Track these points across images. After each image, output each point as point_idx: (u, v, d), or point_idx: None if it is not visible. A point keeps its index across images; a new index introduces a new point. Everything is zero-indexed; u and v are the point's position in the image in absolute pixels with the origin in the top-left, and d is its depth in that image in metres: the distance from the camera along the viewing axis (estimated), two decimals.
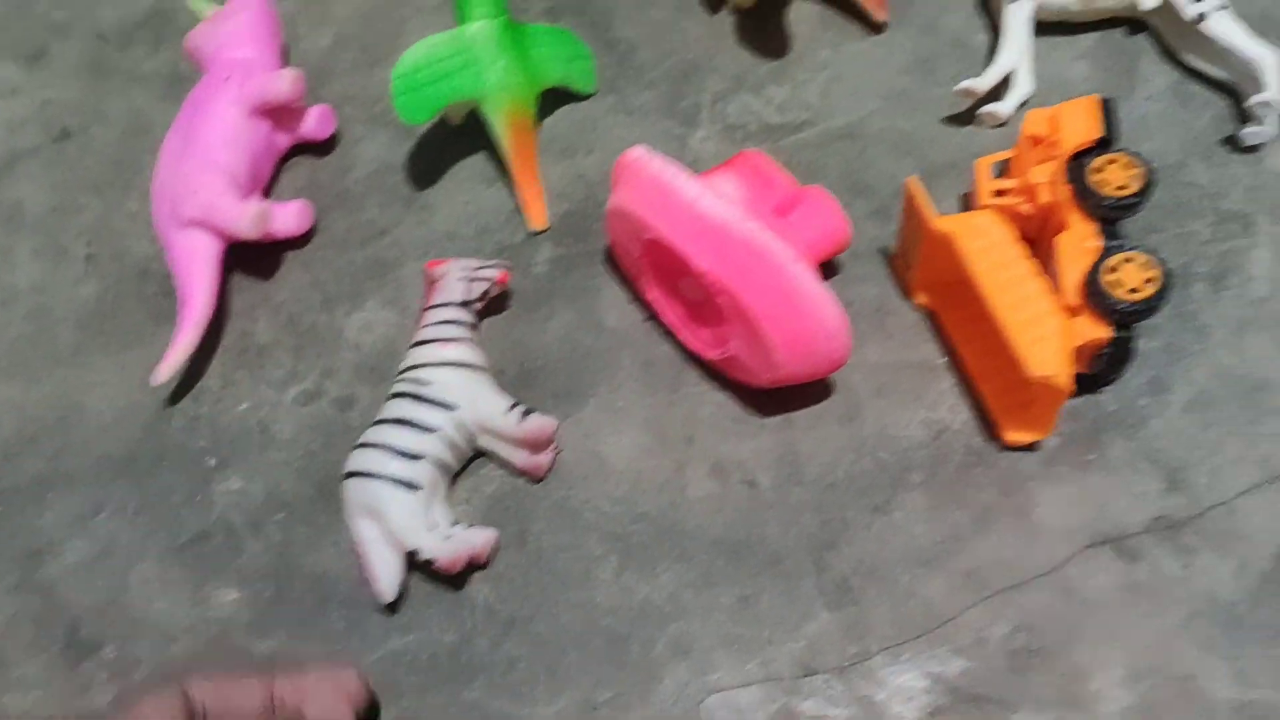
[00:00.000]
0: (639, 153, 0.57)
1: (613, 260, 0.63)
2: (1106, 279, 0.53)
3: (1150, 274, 0.52)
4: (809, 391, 0.59)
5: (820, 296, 0.52)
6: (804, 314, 0.52)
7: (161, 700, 0.45)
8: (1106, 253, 0.53)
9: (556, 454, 0.59)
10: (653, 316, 0.61)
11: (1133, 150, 0.54)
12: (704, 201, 0.54)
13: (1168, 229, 0.60)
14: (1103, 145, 0.55)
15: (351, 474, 0.56)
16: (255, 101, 0.63)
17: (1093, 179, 0.54)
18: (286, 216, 0.64)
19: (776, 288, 0.52)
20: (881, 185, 0.63)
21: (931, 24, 0.67)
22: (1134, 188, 0.54)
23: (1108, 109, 0.55)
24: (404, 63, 0.60)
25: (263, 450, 0.62)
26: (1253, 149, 0.61)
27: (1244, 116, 0.61)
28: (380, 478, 0.55)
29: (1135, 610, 0.53)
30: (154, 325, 0.65)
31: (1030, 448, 0.56)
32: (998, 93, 0.64)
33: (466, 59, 0.61)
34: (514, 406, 0.57)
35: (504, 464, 0.59)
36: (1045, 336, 0.52)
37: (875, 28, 0.67)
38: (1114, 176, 0.54)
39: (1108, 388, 0.57)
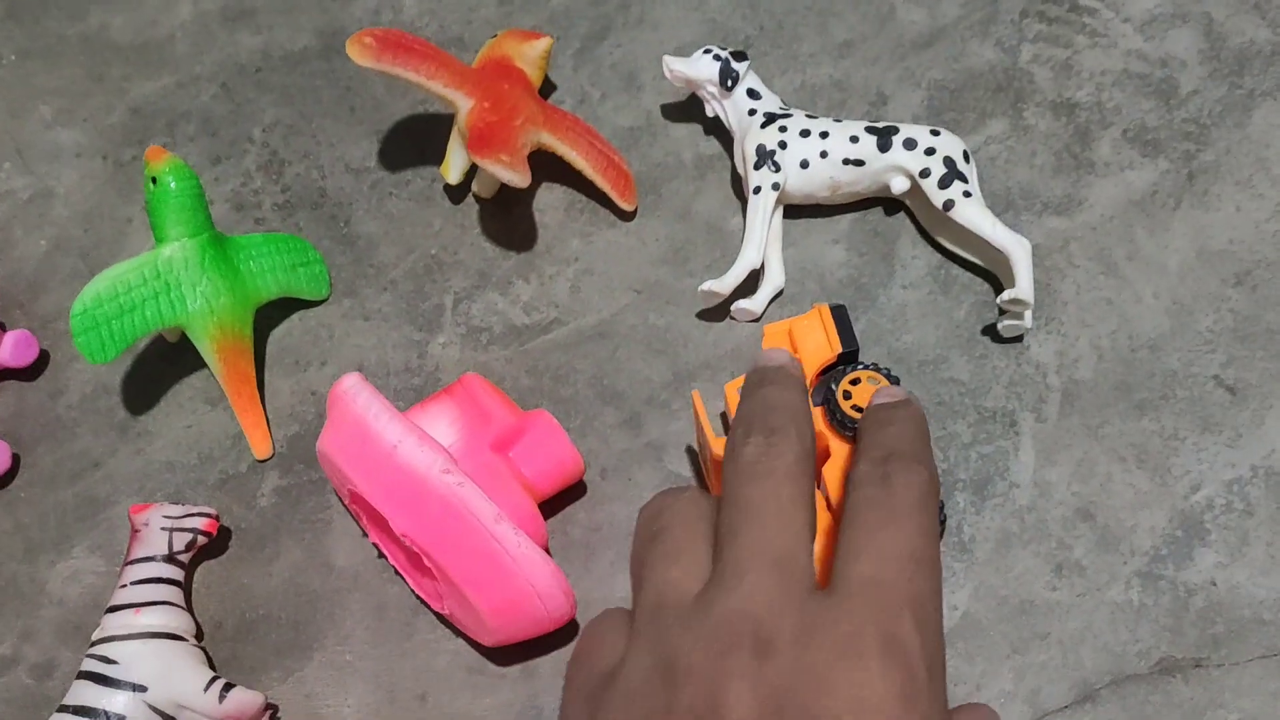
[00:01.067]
0: (350, 383, 0.52)
1: (339, 496, 0.58)
2: None
3: None
4: (552, 637, 0.53)
5: (527, 559, 0.47)
6: (510, 576, 0.47)
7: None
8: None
9: None
10: (384, 554, 0.56)
11: (875, 365, 0.50)
12: (403, 449, 0.49)
13: (931, 431, 0.56)
14: (846, 359, 0.51)
15: None
16: None
17: (844, 404, 0.49)
18: None
19: (478, 550, 0.47)
20: (633, 390, 0.59)
21: (685, 210, 0.63)
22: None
23: (838, 318, 0.51)
24: (83, 298, 0.54)
25: None
26: (1015, 339, 0.58)
27: (1001, 309, 0.58)
28: None
29: None
30: None
31: None
32: (751, 286, 0.60)
33: (161, 285, 0.56)
34: (213, 681, 0.51)
35: None
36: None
37: (624, 216, 0.63)
38: (864, 396, 0.49)
39: None
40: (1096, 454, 0.55)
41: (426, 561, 0.49)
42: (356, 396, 0.51)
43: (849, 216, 0.62)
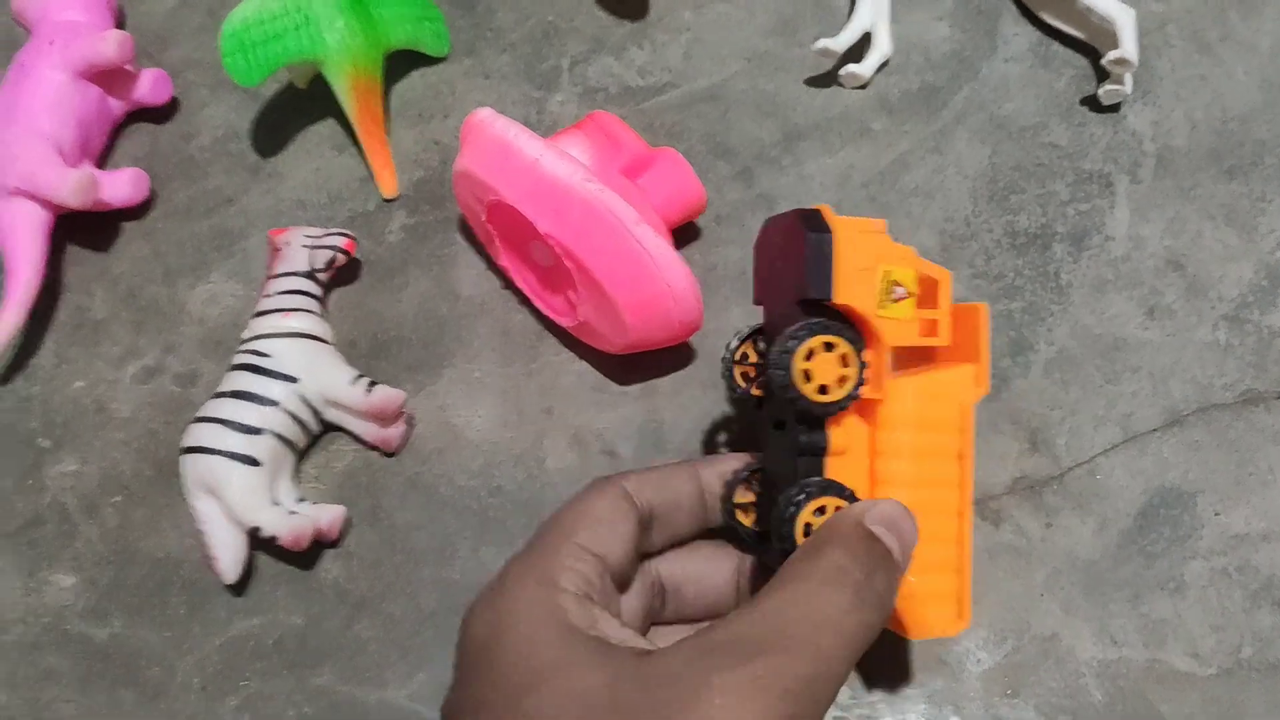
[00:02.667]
0: (484, 114, 0.55)
1: (468, 228, 0.61)
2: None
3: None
4: (671, 358, 0.57)
5: (666, 259, 0.51)
6: (649, 277, 0.51)
7: (606, 489, 0.43)
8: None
9: (410, 428, 0.57)
10: (509, 284, 0.59)
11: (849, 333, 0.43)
12: (545, 162, 0.52)
13: (1028, 189, 0.59)
14: (812, 308, 0.43)
15: (188, 449, 0.53)
16: (80, 65, 0.60)
17: (801, 381, 0.42)
18: (118, 185, 0.61)
19: (620, 250, 0.50)
20: (745, 148, 0.62)
21: None
22: (839, 395, 0.42)
23: (811, 251, 0.42)
24: (233, 20, 0.57)
25: (99, 430, 0.58)
26: (1112, 108, 0.61)
27: (1102, 75, 0.61)
28: (218, 453, 0.52)
29: (998, 572, 0.53)
30: None
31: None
32: (859, 53, 0.62)
33: (301, 18, 0.58)
34: (359, 378, 0.55)
35: (355, 439, 0.57)
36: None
37: None
38: (828, 373, 0.42)
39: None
40: (1188, 213, 0.59)
41: (568, 263, 0.52)
42: (495, 121, 0.54)
43: None
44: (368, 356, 0.59)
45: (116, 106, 0.63)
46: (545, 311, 0.57)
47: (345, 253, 0.58)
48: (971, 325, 0.45)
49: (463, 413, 0.57)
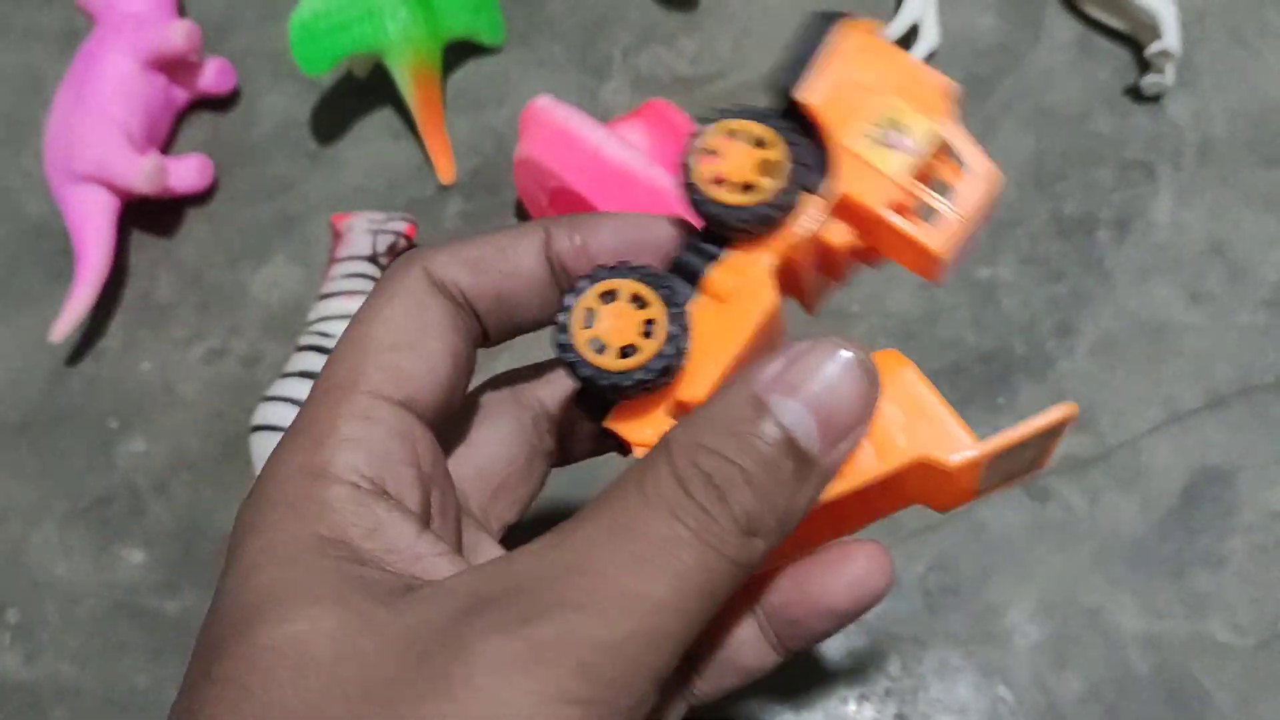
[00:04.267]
0: (544, 102, 0.56)
1: (524, 214, 0.62)
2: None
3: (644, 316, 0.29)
4: None
5: None
6: None
7: (402, 280, 0.30)
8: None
9: None
10: None
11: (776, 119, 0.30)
12: (608, 148, 0.53)
13: (1073, 177, 0.61)
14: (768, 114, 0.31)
15: (257, 428, 0.55)
16: (148, 54, 0.61)
17: (706, 186, 0.30)
18: (184, 171, 0.62)
19: None
20: None
21: None
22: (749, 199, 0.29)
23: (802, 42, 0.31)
24: (300, 11, 0.59)
25: (167, 410, 0.60)
26: (1154, 98, 0.62)
27: (1144, 66, 0.62)
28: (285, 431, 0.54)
29: (1045, 547, 0.54)
30: (51, 285, 0.63)
31: None
32: (905, 44, 0.64)
33: (366, 9, 0.60)
34: None
35: None
36: None
37: None
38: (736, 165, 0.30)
39: None
40: (1229, 199, 0.60)
41: None
42: (555, 109, 0.56)
43: None
44: None
45: (181, 95, 0.64)
46: None
47: (407, 238, 0.60)
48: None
49: None
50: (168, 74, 0.63)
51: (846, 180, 0.30)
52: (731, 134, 0.30)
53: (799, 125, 0.30)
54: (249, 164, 0.65)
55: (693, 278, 0.30)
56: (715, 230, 0.30)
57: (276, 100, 0.67)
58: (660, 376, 0.28)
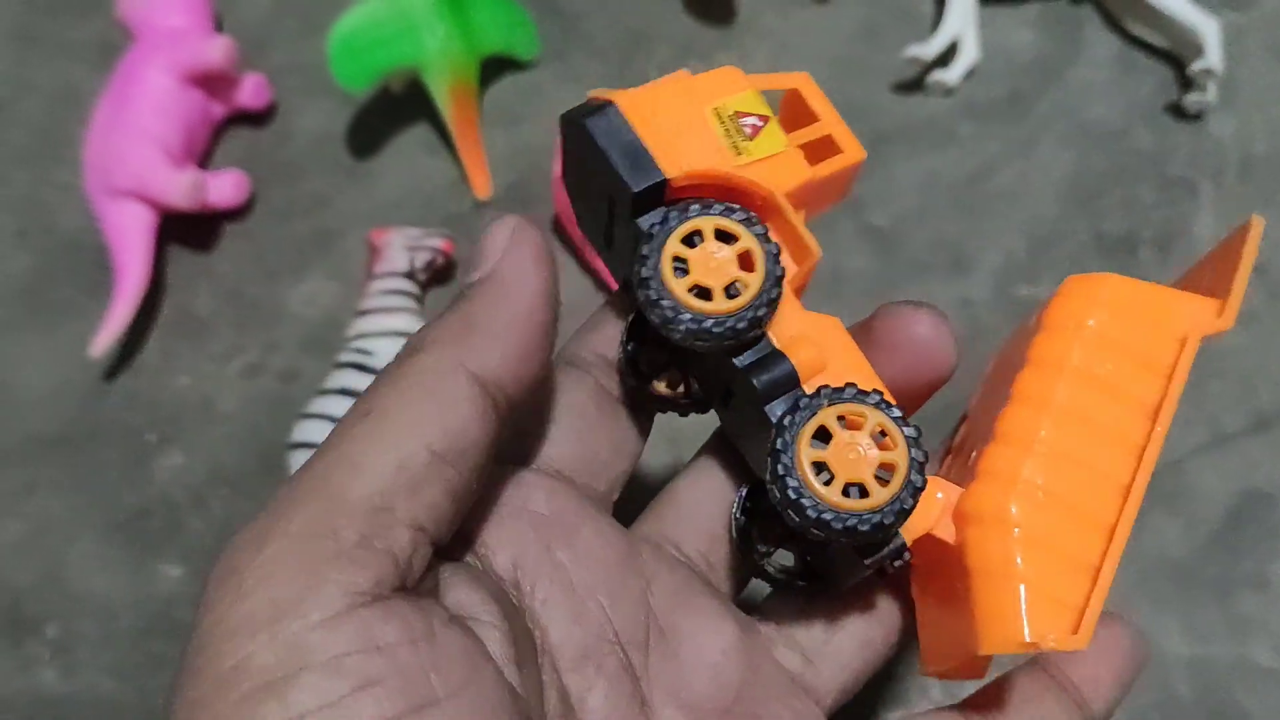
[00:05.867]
0: None
1: (559, 230, 0.62)
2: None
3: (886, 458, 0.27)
4: None
5: None
6: None
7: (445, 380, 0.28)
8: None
9: None
10: (603, 287, 0.60)
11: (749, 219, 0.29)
12: None
13: (1114, 194, 0.61)
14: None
15: (296, 445, 0.55)
16: (186, 69, 0.61)
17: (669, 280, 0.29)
18: (222, 187, 0.62)
19: None
20: None
21: None
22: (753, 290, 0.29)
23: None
24: (340, 28, 0.59)
25: (204, 425, 0.60)
26: (1195, 116, 0.62)
27: (1186, 84, 0.62)
28: None
29: None
30: (88, 299, 0.63)
31: None
32: (945, 61, 0.64)
33: (404, 25, 0.60)
34: None
35: None
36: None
37: None
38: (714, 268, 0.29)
39: None
40: (1272, 217, 0.59)
41: None
42: None
43: (1036, 5, 0.66)
44: None
45: (217, 111, 0.65)
46: None
47: (444, 254, 0.60)
48: (1232, 250, 0.32)
49: None
50: (205, 89, 0.63)
51: (772, 181, 0.30)
52: (689, 240, 0.29)
53: (671, 199, 0.29)
54: (285, 179, 0.65)
55: (790, 382, 0.29)
56: (747, 336, 0.29)
57: (313, 116, 0.67)
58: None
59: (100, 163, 0.61)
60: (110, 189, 0.60)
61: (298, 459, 0.55)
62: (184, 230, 0.64)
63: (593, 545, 0.30)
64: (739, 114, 0.30)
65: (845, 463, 0.27)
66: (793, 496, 0.26)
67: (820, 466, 0.27)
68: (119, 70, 0.63)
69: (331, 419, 0.54)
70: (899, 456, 0.27)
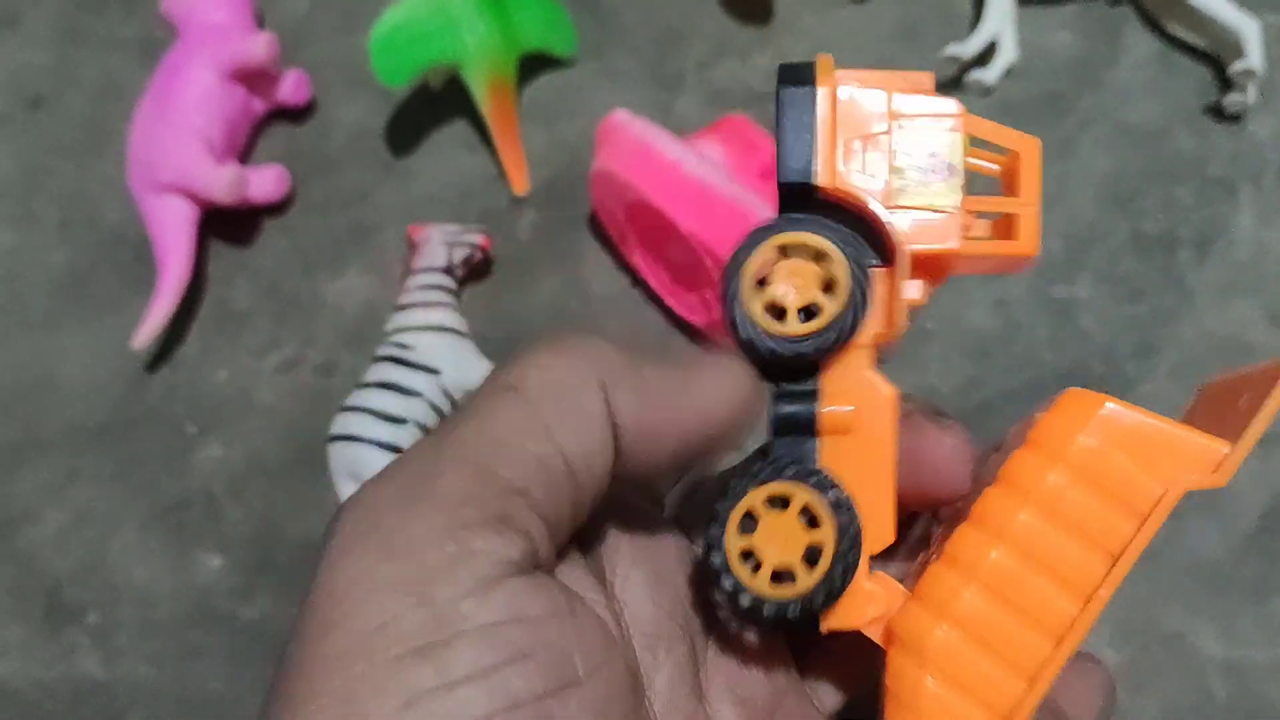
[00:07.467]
0: (622, 115, 0.57)
1: (597, 226, 0.63)
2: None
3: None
4: None
5: None
6: None
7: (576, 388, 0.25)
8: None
9: None
10: (638, 282, 0.61)
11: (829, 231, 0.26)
12: (687, 163, 0.53)
13: (1153, 195, 0.60)
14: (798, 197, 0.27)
15: (336, 437, 0.55)
16: (229, 66, 0.62)
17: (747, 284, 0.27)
18: (263, 182, 0.63)
19: None
20: None
21: None
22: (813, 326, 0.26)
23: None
24: (382, 24, 0.59)
25: (243, 417, 0.61)
26: (1235, 117, 0.62)
27: (1226, 84, 0.62)
28: (364, 441, 0.55)
29: None
30: (129, 292, 0.64)
31: None
32: (983, 60, 0.64)
33: (445, 21, 0.61)
34: None
35: None
36: None
37: None
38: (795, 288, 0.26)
39: None
40: None
41: (709, 261, 0.53)
42: (633, 123, 0.56)
43: (1074, 6, 0.65)
44: (500, 353, 0.60)
45: (258, 106, 0.65)
46: (677, 309, 0.59)
47: (482, 250, 0.60)
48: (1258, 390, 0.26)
49: None
50: (246, 85, 0.64)
51: (913, 237, 0.26)
52: (782, 252, 0.27)
53: (825, 206, 0.27)
54: (325, 174, 0.66)
55: (807, 427, 0.27)
56: (792, 365, 0.26)
57: (352, 111, 0.67)
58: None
59: (143, 157, 0.62)
60: (153, 183, 0.61)
61: (337, 451, 0.55)
62: (224, 225, 0.64)
63: (661, 531, 0.30)
64: (930, 153, 0.27)
65: (772, 547, 0.26)
66: (728, 589, 0.26)
67: (748, 554, 0.26)
68: (162, 66, 0.63)
69: (372, 412, 0.55)
70: (826, 536, 0.26)
